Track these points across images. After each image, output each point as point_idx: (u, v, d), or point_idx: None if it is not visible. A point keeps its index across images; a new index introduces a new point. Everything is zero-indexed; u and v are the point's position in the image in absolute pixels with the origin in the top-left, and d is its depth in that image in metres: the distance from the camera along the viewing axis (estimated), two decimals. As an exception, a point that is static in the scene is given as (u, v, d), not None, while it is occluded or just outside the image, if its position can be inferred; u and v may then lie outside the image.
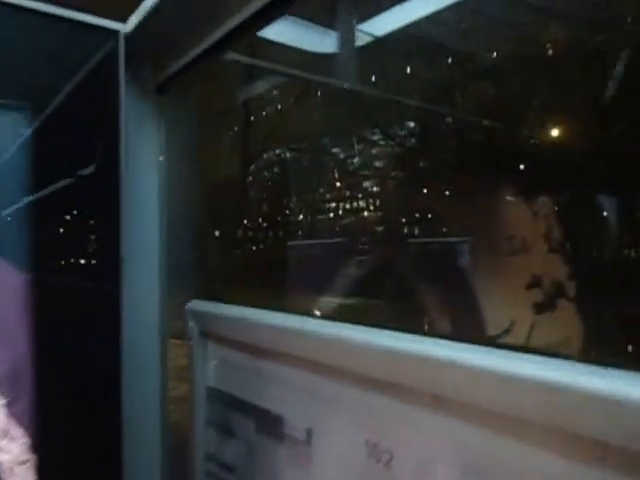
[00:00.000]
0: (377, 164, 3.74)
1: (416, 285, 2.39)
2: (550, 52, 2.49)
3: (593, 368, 0.65)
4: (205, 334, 1.22)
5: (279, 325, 0.97)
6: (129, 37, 1.31)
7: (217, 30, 1.24)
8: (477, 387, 0.71)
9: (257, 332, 1.04)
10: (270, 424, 1.03)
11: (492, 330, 1.94)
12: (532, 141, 2.63)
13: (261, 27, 1.28)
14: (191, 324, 1.24)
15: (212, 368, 1.22)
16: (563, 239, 2.02)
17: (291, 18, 1.90)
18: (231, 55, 1.59)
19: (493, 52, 2.58)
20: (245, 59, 1.81)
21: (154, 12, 1.26)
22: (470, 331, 2.01)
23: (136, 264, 1.38)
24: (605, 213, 2.32)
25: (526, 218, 2.01)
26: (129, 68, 1.34)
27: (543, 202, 2.06)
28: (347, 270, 2.87)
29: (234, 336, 1.12)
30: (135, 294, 1.36)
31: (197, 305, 1.25)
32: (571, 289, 1.97)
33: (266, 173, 3.97)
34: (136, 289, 1.37)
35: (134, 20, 1.30)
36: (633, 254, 2.45)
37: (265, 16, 1.19)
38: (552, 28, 2.34)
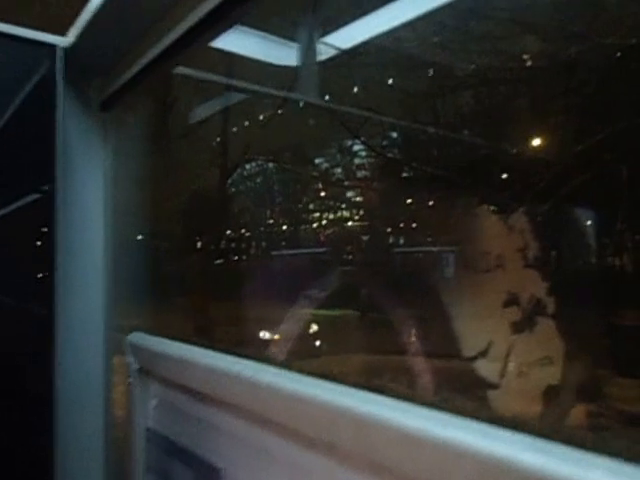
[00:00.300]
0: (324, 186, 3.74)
1: (386, 306, 2.30)
2: (523, 64, 2.44)
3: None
4: (145, 371, 1.11)
5: (217, 368, 0.86)
6: (69, 51, 1.20)
7: (160, 42, 1.14)
8: (370, 440, 0.62)
9: (195, 374, 0.93)
10: (208, 478, 0.91)
11: (467, 352, 1.84)
12: (506, 155, 2.57)
13: (207, 39, 1.17)
14: (130, 359, 1.12)
15: (152, 408, 1.10)
16: (539, 254, 1.93)
17: (261, 34, 1.82)
18: (185, 70, 1.49)
19: (465, 65, 2.52)
20: (200, 74, 1.72)
21: (93, 24, 1.15)
22: (444, 354, 1.91)
23: (76, 287, 1.26)
24: (581, 227, 2.26)
25: (501, 233, 1.92)
26: (70, 84, 1.24)
27: (518, 217, 1.97)
28: (315, 287, 2.77)
29: (172, 376, 1.01)
30: (73, 317, 1.25)
31: (137, 338, 1.13)
32: (549, 306, 1.89)
33: (229, 190, 3.88)
34: (75, 312, 1.25)
35: (74, 33, 1.19)
36: (615, 268, 2.39)
37: (210, 28, 1.08)
38: (523, 41, 2.27)
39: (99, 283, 1.29)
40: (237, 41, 1.78)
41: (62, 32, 1.21)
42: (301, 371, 0.80)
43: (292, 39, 1.74)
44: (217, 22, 1.07)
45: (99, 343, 1.27)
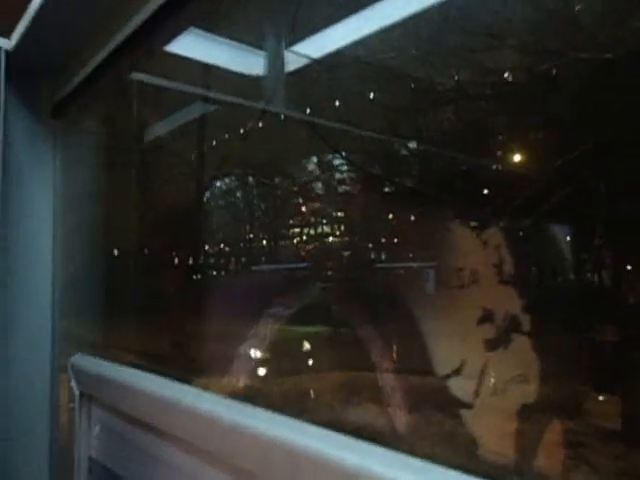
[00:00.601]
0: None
1: (362, 323, 2.23)
2: (502, 79, 2.40)
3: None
4: (88, 396, 1.01)
5: (158, 395, 0.78)
6: (12, 54, 1.12)
7: (108, 43, 1.06)
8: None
9: (136, 401, 0.84)
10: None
11: (441, 370, 1.77)
12: (486, 170, 2.52)
13: (160, 42, 1.10)
14: (73, 383, 1.03)
15: (95, 436, 1.01)
16: (515, 270, 1.87)
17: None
18: (152, 79, 1.41)
19: (444, 79, 2.47)
20: (169, 84, 1.64)
21: (37, 25, 1.07)
22: (416, 371, 1.84)
23: (23, 307, 1.17)
24: (558, 243, 2.22)
25: (475, 248, 1.86)
26: (15, 88, 1.15)
27: (493, 231, 1.91)
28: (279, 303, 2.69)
29: (114, 402, 0.92)
30: (19, 337, 1.15)
31: (81, 361, 1.04)
32: (525, 323, 1.83)
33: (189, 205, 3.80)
34: (21, 331, 1.16)
35: (17, 34, 1.11)
36: (591, 284, 2.35)
37: (158, 29, 1.01)
38: (501, 54, 2.23)
39: (47, 303, 1.19)
40: (207, 50, 1.72)
41: (5, 34, 1.13)
42: (245, 399, 0.72)
43: (260, 47, 1.68)
44: (165, 22, 0.99)
45: (46, 366, 1.18)
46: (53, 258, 1.21)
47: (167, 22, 1.00)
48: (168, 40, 1.09)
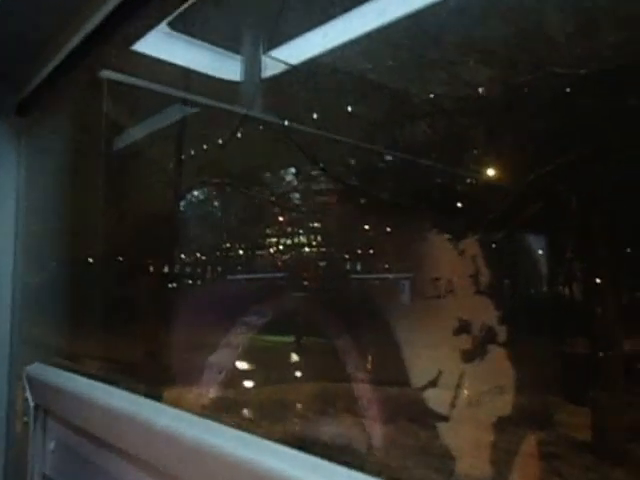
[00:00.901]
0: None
1: (338, 333, 2.17)
2: (478, 93, 2.38)
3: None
4: (44, 409, 0.92)
5: (113, 409, 0.69)
6: (-26, 46, 1.04)
7: (74, 37, 0.98)
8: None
9: (92, 414, 0.76)
10: None
11: (416, 381, 1.71)
12: (461, 184, 2.50)
13: (127, 41, 1.03)
14: (28, 395, 0.93)
15: (50, 452, 0.91)
16: (491, 281, 1.83)
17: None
18: (111, 74, 1.33)
19: (421, 92, 2.44)
20: (148, 85, 1.57)
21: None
22: (392, 382, 1.79)
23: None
24: (533, 255, 2.20)
25: (452, 258, 1.82)
26: (-24, 83, 1.07)
27: (470, 241, 1.86)
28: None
29: (70, 415, 0.83)
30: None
31: (37, 371, 0.95)
32: (501, 334, 1.79)
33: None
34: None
35: (-21, 25, 1.03)
36: (564, 296, 2.34)
37: (120, 25, 0.94)
38: (477, 68, 2.20)
39: (5, 308, 1.10)
40: (185, 53, 1.65)
41: (-33, 24, 1.05)
42: (216, 411, 0.65)
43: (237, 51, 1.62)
44: (130, 19, 0.92)
45: (2, 375, 1.09)
46: (14, 262, 1.12)
47: (132, 18, 0.93)
48: (136, 38, 1.03)
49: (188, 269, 3.96)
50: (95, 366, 2.10)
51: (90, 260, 3.02)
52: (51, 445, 0.85)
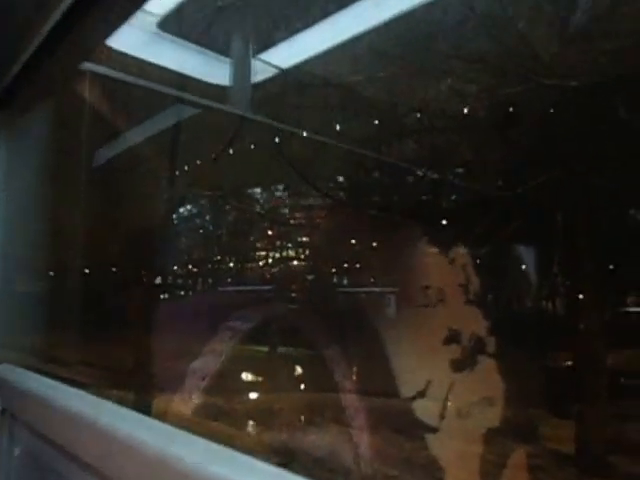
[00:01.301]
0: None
1: (325, 345, 2.09)
2: (468, 104, 2.34)
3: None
4: (11, 413, 0.82)
5: (76, 415, 0.60)
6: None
7: (45, 23, 0.90)
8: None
9: (56, 421, 0.66)
10: None
11: (405, 392, 1.63)
12: (448, 198, 2.46)
13: (100, 35, 0.95)
14: (-6, 397, 0.83)
15: (16, 461, 0.81)
16: (480, 291, 1.76)
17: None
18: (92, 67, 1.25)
19: (410, 105, 2.40)
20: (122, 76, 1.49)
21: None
22: (380, 392, 1.70)
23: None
24: (524, 264, 2.15)
25: (442, 266, 1.74)
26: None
27: (460, 251, 1.80)
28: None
29: (36, 421, 0.73)
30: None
31: (5, 372, 0.85)
32: (490, 345, 1.71)
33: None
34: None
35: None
36: (551, 307, 2.29)
37: (85, 17, 0.86)
38: (467, 78, 2.16)
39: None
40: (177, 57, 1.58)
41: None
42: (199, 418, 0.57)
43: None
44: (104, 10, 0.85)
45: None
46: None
47: (108, 10, 0.86)
48: (108, 32, 0.96)
49: (184, 280, 3.89)
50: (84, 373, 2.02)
51: (69, 270, 2.93)
52: (16, 452, 0.76)
